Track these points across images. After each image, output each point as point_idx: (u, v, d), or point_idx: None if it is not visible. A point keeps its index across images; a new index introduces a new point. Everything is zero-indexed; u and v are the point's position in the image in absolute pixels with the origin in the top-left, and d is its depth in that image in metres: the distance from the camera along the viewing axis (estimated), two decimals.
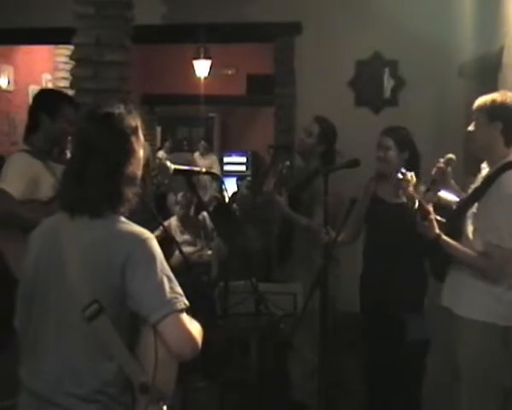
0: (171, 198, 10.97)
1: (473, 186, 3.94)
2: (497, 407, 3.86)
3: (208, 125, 16.26)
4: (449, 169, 4.05)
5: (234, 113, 15.71)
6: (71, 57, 5.67)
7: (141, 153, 2.55)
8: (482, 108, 3.81)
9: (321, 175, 4.70)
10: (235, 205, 10.79)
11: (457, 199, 3.96)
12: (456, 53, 5.85)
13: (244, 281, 4.46)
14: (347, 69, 6.84)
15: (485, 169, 3.95)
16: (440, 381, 4.07)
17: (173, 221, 8.55)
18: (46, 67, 11.34)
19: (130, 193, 2.48)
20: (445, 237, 3.77)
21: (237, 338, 5.90)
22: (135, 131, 2.51)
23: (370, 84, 6.89)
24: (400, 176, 3.85)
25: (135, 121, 2.52)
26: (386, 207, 4.66)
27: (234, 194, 12.41)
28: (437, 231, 3.77)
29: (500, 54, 4.90)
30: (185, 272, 6.21)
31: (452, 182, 4.14)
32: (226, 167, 15.00)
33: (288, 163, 5.44)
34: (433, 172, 4.06)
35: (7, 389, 2.91)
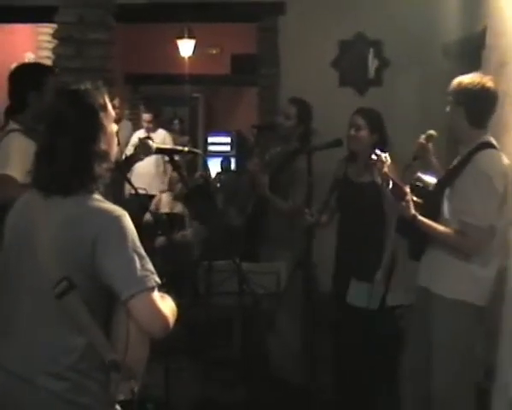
0: None
1: (384, 155, 4.05)
2: (471, 388, 3.95)
3: (192, 105, 16.20)
4: (430, 145, 4.13)
5: (218, 92, 15.66)
6: (53, 36, 5.63)
7: (112, 129, 2.54)
8: (452, 90, 3.90)
9: (304, 155, 4.73)
10: (218, 185, 10.81)
11: (436, 180, 4.01)
12: (439, 33, 5.85)
13: (227, 260, 4.48)
14: (331, 49, 6.83)
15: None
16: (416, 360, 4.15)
17: (164, 196, 8.59)
18: (29, 46, 11.22)
19: (102, 169, 2.48)
20: (420, 217, 3.82)
21: (221, 317, 5.92)
22: (103, 106, 2.50)
23: (354, 64, 6.89)
24: (374, 157, 3.90)
25: (103, 97, 2.52)
26: (355, 187, 4.71)
27: (218, 174, 12.41)
28: (413, 211, 3.81)
29: (483, 34, 4.91)
30: (169, 251, 6.25)
31: (434, 159, 4.20)
32: (211, 147, 14.97)
33: (278, 149, 5.42)
34: (416, 148, 4.14)
35: None
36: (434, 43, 6.08)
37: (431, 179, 4.05)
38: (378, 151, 3.93)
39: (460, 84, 3.85)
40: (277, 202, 5.22)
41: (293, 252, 5.01)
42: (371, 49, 6.88)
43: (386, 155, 3.91)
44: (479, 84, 3.79)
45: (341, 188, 4.82)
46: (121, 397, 2.45)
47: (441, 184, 3.93)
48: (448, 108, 3.91)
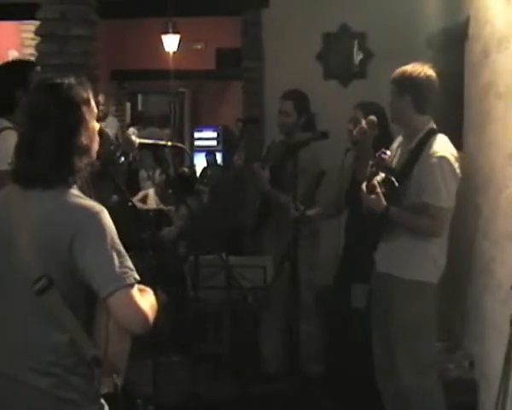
0: (142, 174, 10.93)
1: (388, 153, 4.06)
2: (434, 367, 4.09)
3: (178, 101, 16.18)
4: (370, 131, 4.24)
5: (204, 87, 15.65)
6: (36, 32, 5.60)
7: (94, 124, 2.52)
8: (394, 80, 4.05)
9: (290, 149, 4.72)
10: (205, 180, 10.80)
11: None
12: (423, 24, 5.84)
13: (213, 255, 4.48)
14: (315, 42, 6.81)
15: (398, 140, 4.19)
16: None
17: (151, 192, 8.60)
18: (12, 43, 11.17)
19: (83, 164, 2.46)
20: (392, 208, 3.87)
21: (209, 312, 5.92)
22: (86, 101, 2.47)
23: (339, 56, 6.87)
24: (383, 155, 3.93)
25: (86, 92, 2.49)
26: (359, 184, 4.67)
27: (204, 169, 12.39)
28: (384, 203, 3.85)
29: (466, 24, 4.92)
30: (155, 246, 6.24)
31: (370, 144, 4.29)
32: (197, 142, 14.96)
33: (274, 140, 5.41)
34: (355, 132, 4.22)
35: None
36: (418, 34, 6.07)
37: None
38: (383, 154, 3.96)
39: (403, 73, 4.01)
40: (278, 195, 5.20)
41: (281, 246, 5.01)
42: (355, 42, 6.87)
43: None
44: (421, 72, 3.97)
45: (350, 183, 4.80)
46: (104, 390, 2.45)
47: (400, 173, 3.98)
48: (390, 98, 4.05)
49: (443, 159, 3.85)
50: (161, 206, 8.31)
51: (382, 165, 3.89)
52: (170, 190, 8.35)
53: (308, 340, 4.96)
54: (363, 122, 4.27)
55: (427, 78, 3.96)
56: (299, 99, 5.32)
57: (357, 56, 6.87)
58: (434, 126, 4.02)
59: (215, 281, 4.74)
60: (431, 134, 3.97)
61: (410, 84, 3.95)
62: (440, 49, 5.75)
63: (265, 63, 6.90)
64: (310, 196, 4.66)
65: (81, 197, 2.44)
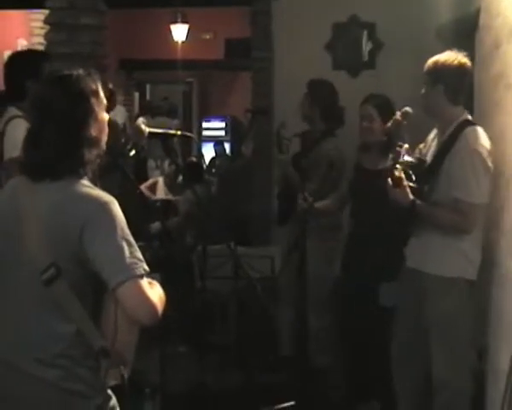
0: (150, 164, 10.94)
1: (421, 146, 4.02)
2: (469, 362, 3.99)
3: (186, 90, 16.16)
4: (404, 122, 4.14)
5: (212, 77, 15.63)
6: (45, 21, 5.61)
7: (103, 116, 2.52)
8: (427, 71, 3.95)
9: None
10: (213, 170, 10.79)
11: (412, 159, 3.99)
12: (433, 15, 5.81)
13: (221, 245, 4.48)
14: (324, 32, 6.79)
15: (434, 131, 4.09)
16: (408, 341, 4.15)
17: (160, 181, 8.61)
18: (21, 32, 11.18)
19: (92, 155, 2.46)
20: (419, 202, 3.80)
21: (216, 302, 5.93)
22: (94, 92, 2.48)
23: (348, 47, 6.84)
24: (398, 149, 3.90)
25: (94, 83, 2.49)
26: (370, 174, 4.65)
27: (212, 159, 12.39)
28: (411, 196, 3.79)
29: (476, 16, 4.89)
30: (164, 237, 6.25)
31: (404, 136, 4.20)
32: (205, 132, 14.94)
33: (284, 124, 5.41)
34: (390, 124, 4.15)
35: None
36: (428, 25, 6.04)
37: (415, 160, 4.05)
38: (404, 145, 3.93)
39: (436, 62, 3.90)
40: (298, 180, 5.18)
41: (289, 236, 5.00)
42: (365, 32, 6.84)
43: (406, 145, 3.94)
44: (455, 60, 3.87)
45: (355, 176, 4.78)
46: (112, 383, 2.46)
47: (431, 165, 3.93)
48: (423, 89, 3.96)
49: (474, 152, 3.76)
50: (169, 196, 8.30)
51: (398, 158, 3.85)
52: (179, 179, 8.33)
53: (317, 331, 4.95)
54: (398, 114, 4.20)
55: (460, 66, 3.86)
56: (310, 91, 5.33)
57: (367, 47, 6.84)
58: (469, 118, 3.94)
59: (223, 271, 4.75)
60: (464, 126, 3.86)
61: (442, 74, 3.86)
62: (450, 39, 5.72)
63: (274, 53, 6.88)
64: (336, 186, 4.68)
65: (91, 188, 2.44)
